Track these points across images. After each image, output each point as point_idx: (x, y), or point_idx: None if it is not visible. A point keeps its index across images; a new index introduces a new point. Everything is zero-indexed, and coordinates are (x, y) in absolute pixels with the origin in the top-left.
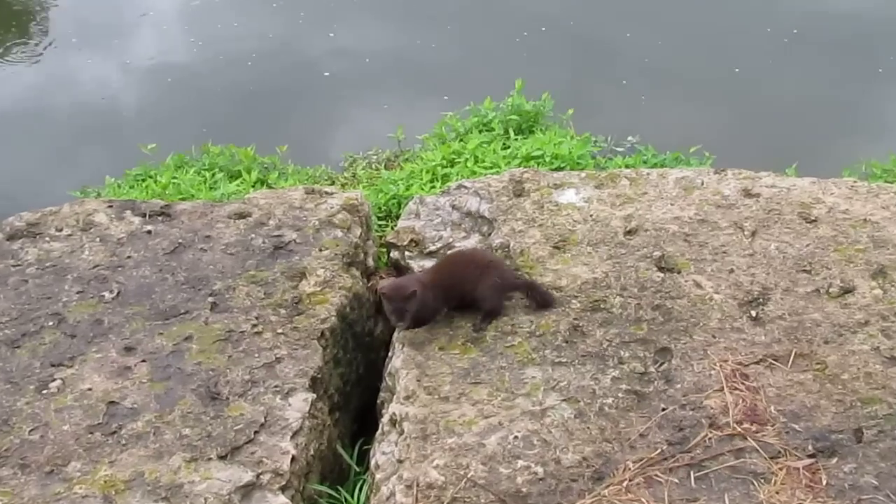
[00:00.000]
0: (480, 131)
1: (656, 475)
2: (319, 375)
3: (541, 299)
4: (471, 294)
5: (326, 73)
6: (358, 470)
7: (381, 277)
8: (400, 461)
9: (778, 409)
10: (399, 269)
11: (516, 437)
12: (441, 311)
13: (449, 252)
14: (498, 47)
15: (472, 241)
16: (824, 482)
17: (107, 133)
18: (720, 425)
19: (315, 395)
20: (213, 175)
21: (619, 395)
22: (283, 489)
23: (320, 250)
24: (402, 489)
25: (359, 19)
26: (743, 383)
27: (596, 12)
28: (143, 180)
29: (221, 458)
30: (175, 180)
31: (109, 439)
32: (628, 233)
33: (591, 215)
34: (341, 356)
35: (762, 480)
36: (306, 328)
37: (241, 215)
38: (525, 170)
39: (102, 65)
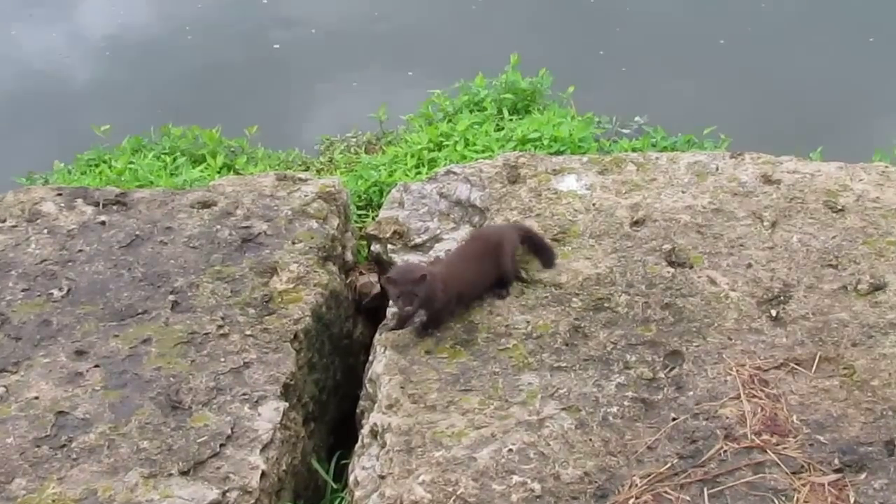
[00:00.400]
0: (471, 111)
1: (666, 492)
2: (292, 382)
3: (545, 258)
4: (493, 275)
5: (301, 48)
6: (335, 486)
7: (361, 273)
8: (382, 477)
9: (801, 419)
10: (380, 263)
11: (511, 450)
12: (460, 304)
13: (461, 243)
14: (491, 17)
15: (463, 233)
16: (852, 500)
17: (55, 113)
18: (737, 437)
19: (287, 404)
20: (175, 160)
21: (625, 403)
22: None
23: (293, 243)
24: None
25: None
26: (762, 390)
27: None
28: (97, 165)
29: (183, 473)
30: (132, 165)
31: (58, 453)
32: (635, 223)
33: (593, 204)
34: (316, 361)
35: (783, 498)
36: (277, 329)
37: (206, 204)
38: (521, 154)
39: (50, 37)
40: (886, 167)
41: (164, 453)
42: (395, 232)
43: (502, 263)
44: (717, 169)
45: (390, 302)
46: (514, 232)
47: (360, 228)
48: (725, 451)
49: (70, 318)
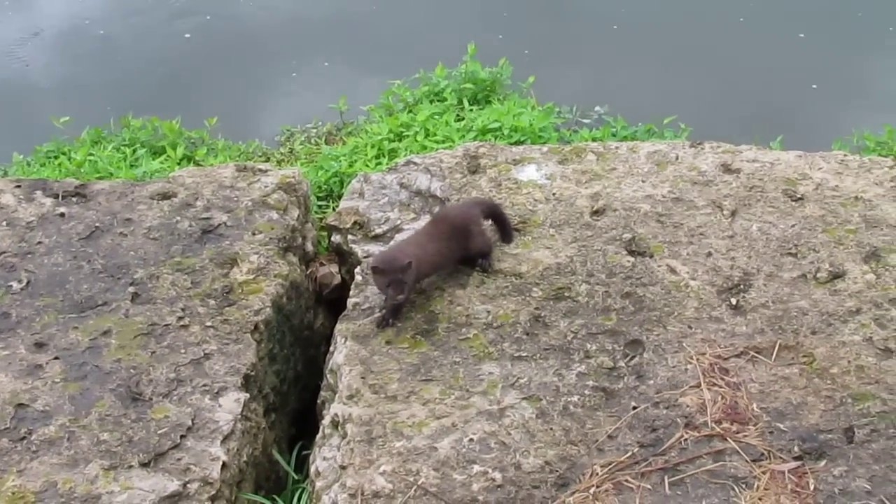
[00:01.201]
0: (431, 101)
1: (626, 480)
2: (253, 373)
3: (504, 234)
4: (465, 249)
5: (260, 38)
6: (297, 477)
7: (322, 264)
8: (343, 467)
9: (761, 407)
10: (341, 254)
11: (472, 439)
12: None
13: (431, 219)
14: (452, 7)
15: (423, 223)
16: (812, 487)
17: (13, 105)
18: (697, 425)
19: (248, 395)
20: (134, 151)
21: (586, 392)
22: (212, 500)
23: (253, 234)
24: (345, 498)
25: None
26: (722, 379)
27: None
28: (56, 157)
29: (144, 465)
30: (91, 157)
31: (18, 446)
32: (595, 213)
33: (554, 194)
34: (277, 352)
35: (743, 485)
36: (238, 321)
37: (166, 196)
38: (481, 144)
39: (7, 27)
40: (845, 156)
41: (125, 445)
42: (355, 222)
43: (473, 244)
44: (677, 158)
45: (351, 292)
46: (478, 208)
47: (321, 219)
48: (686, 440)
49: (29, 310)
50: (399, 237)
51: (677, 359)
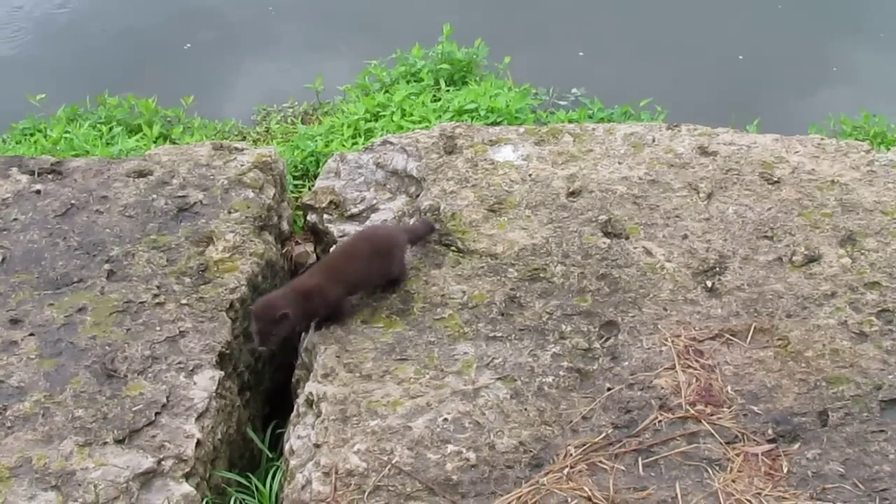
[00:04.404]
0: (408, 82)
1: (600, 461)
2: (228, 351)
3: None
4: (379, 276)
5: (237, 17)
6: (271, 456)
7: (297, 243)
8: (317, 446)
9: (735, 390)
10: (316, 233)
11: (446, 419)
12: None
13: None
14: None
15: (399, 203)
16: (785, 469)
17: None
18: (671, 407)
19: (223, 373)
20: (110, 129)
21: (560, 373)
22: (186, 476)
23: (229, 213)
24: (319, 476)
25: None
26: (697, 361)
27: None
28: (32, 134)
29: (118, 442)
30: (67, 135)
31: None
32: (571, 194)
33: (530, 175)
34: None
35: (717, 468)
36: (213, 299)
37: (141, 174)
38: (457, 124)
39: None
40: (822, 139)
41: (100, 422)
42: (331, 202)
43: (392, 266)
44: (654, 140)
45: None
46: (404, 234)
47: (297, 198)
48: (660, 422)
49: (4, 286)
50: (374, 216)
51: (652, 341)
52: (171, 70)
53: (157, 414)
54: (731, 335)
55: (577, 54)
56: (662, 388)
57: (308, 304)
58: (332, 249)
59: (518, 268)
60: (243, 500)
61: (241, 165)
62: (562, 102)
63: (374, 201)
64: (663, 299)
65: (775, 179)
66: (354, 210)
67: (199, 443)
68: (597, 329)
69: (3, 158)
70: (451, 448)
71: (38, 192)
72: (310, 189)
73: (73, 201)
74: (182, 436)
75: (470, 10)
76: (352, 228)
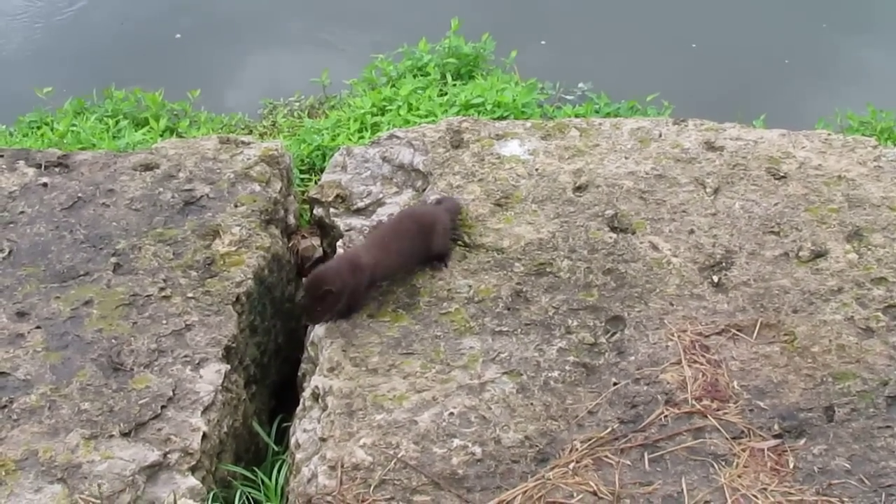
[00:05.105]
0: (415, 76)
1: (606, 456)
2: (234, 345)
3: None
4: (422, 254)
5: (244, 11)
6: (276, 449)
7: (303, 237)
8: (323, 439)
9: (741, 385)
10: (323, 227)
11: (452, 413)
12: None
13: (388, 218)
14: None
15: (405, 197)
16: (791, 465)
17: None
18: (677, 402)
19: (229, 367)
20: (117, 122)
21: (567, 368)
22: (192, 470)
23: (235, 206)
24: (325, 470)
25: None
26: (703, 356)
27: None
28: (39, 127)
29: (124, 435)
30: (74, 128)
31: None
32: (578, 189)
33: (536, 169)
34: (258, 323)
35: (723, 463)
36: (219, 292)
37: (148, 167)
38: (464, 118)
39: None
40: (829, 135)
41: (106, 415)
42: (337, 196)
43: (434, 243)
44: (660, 135)
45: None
46: (446, 213)
47: (303, 192)
48: (666, 417)
49: (11, 279)
50: (381, 210)
51: (658, 335)
52: (178, 63)
53: (163, 407)
54: (737, 330)
55: (583, 49)
56: (668, 383)
57: (359, 278)
58: (375, 227)
59: (524, 262)
60: (249, 493)
61: (248, 159)
62: (568, 97)
63: (381, 195)
64: (669, 294)
65: (782, 174)
66: (361, 204)
67: (205, 436)
68: (603, 324)
69: (10, 151)
70: (456, 442)
71: (44, 185)
72: (316, 183)
73: (79, 194)
74: (188, 429)
75: (477, 4)
76: (358, 222)
